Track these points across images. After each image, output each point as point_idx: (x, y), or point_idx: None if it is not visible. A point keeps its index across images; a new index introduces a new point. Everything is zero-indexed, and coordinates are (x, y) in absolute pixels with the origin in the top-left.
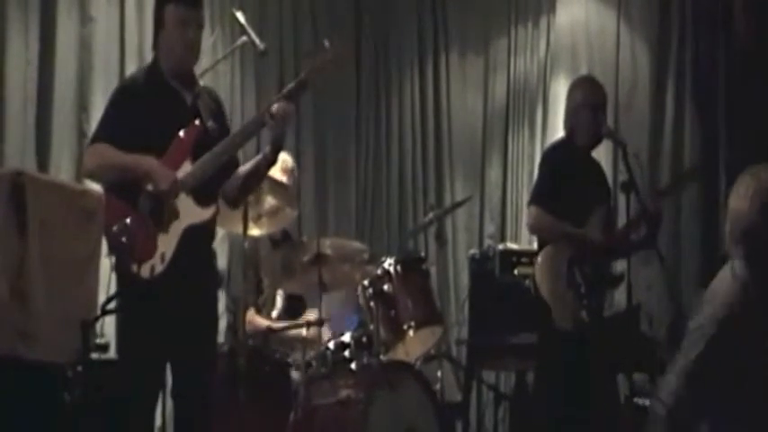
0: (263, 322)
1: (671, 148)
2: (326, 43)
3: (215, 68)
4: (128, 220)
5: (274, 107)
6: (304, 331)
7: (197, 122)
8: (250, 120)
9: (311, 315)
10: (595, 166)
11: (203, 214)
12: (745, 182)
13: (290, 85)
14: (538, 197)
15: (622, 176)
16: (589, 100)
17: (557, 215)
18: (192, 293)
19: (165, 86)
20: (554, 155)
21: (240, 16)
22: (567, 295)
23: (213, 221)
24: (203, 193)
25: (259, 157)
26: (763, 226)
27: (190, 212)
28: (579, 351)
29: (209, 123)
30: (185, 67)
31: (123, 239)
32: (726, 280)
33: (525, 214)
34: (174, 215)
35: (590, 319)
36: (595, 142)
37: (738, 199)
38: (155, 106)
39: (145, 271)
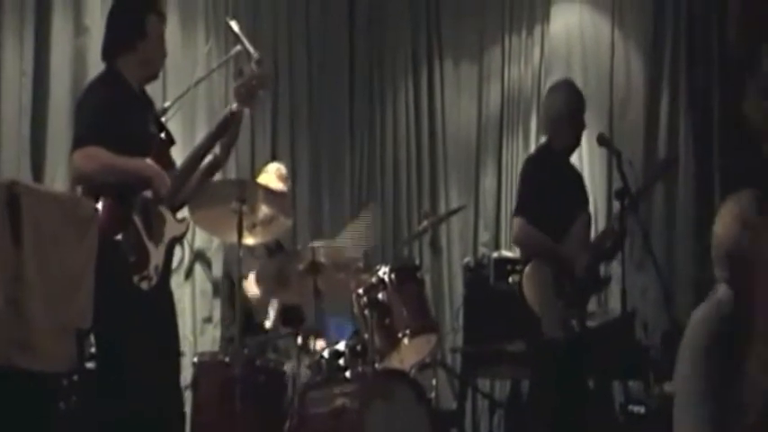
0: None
1: (665, 152)
2: (253, 65)
3: (209, 77)
4: (128, 229)
5: (229, 113)
6: (299, 340)
7: (162, 135)
8: (209, 132)
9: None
10: (574, 171)
11: (181, 227)
12: (727, 207)
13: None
14: (522, 208)
15: (617, 184)
16: (569, 105)
17: (540, 224)
18: (171, 310)
19: (140, 94)
20: (535, 163)
21: (234, 25)
22: (556, 303)
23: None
24: (175, 207)
25: (210, 158)
26: (744, 250)
27: (172, 225)
28: (571, 358)
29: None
30: (155, 78)
31: (127, 249)
32: (710, 305)
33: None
34: (164, 225)
35: (579, 327)
36: (574, 146)
37: (721, 224)
38: (136, 113)
39: (144, 283)
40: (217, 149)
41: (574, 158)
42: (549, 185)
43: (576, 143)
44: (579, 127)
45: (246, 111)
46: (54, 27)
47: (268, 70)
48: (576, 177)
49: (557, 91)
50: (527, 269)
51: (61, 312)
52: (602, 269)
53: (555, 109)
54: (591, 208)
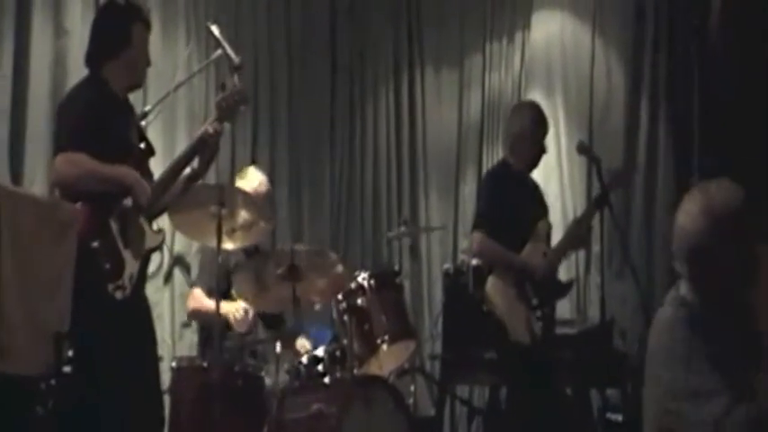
0: (209, 304)
1: (645, 163)
2: (236, 80)
3: (190, 82)
4: (105, 237)
5: (210, 128)
6: (278, 346)
7: (142, 145)
8: (189, 145)
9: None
10: (533, 186)
11: (158, 238)
12: (693, 198)
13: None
14: (481, 222)
15: (596, 192)
16: (533, 125)
17: (500, 237)
18: (147, 317)
19: (123, 102)
20: (494, 178)
21: (215, 30)
22: (520, 309)
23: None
24: (151, 217)
25: (188, 172)
26: (712, 246)
27: (149, 236)
28: (540, 363)
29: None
30: (138, 86)
31: (103, 257)
32: (671, 304)
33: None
34: (142, 236)
35: (543, 331)
36: (533, 166)
37: (686, 216)
38: (119, 120)
39: (118, 292)
40: (195, 163)
41: (552, 167)
42: (508, 199)
43: (534, 164)
44: (539, 149)
45: (227, 125)
46: (34, 29)
47: (245, 87)
48: (536, 191)
49: (523, 109)
50: (490, 279)
51: (39, 316)
52: (563, 274)
53: (518, 126)
54: (570, 216)
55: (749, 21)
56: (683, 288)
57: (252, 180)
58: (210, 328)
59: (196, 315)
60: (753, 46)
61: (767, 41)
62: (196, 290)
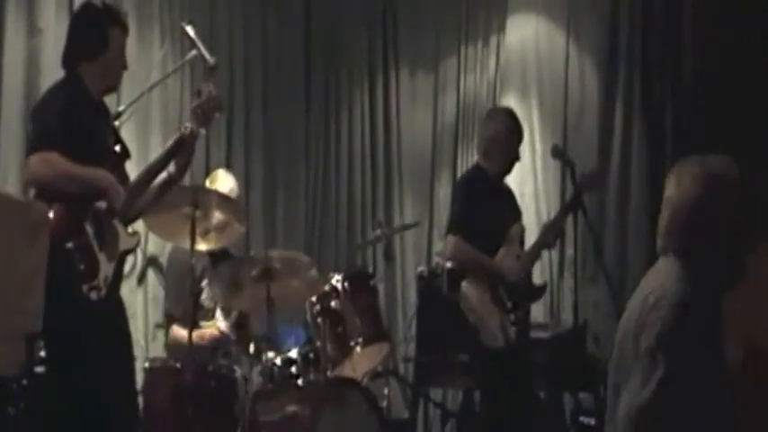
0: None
1: (619, 166)
2: (211, 87)
3: (164, 83)
4: (80, 238)
5: (186, 131)
6: (252, 347)
7: (117, 148)
8: (166, 148)
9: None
10: (506, 190)
11: (132, 241)
12: (685, 168)
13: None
14: (456, 226)
15: (570, 196)
16: (508, 131)
17: (474, 241)
18: (122, 318)
19: (99, 104)
20: (467, 183)
21: (190, 30)
22: (494, 313)
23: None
24: (127, 220)
25: (163, 176)
26: (711, 216)
27: (124, 238)
28: (513, 367)
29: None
30: (114, 89)
31: (78, 258)
32: (670, 277)
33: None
34: (116, 238)
35: (517, 335)
36: (506, 173)
37: (677, 186)
38: (94, 122)
39: (93, 293)
40: (172, 167)
41: (527, 170)
42: (482, 203)
43: (507, 170)
44: (513, 155)
45: (202, 131)
46: (7, 28)
47: (221, 94)
48: (509, 196)
49: (497, 114)
50: (464, 283)
51: (10, 316)
52: (537, 277)
53: (492, 131)
54: (544, 220)
55: (722, 23)
56: (670, 266)
57: (222, 185)
58: None
59: (176, 350)
60: (726, 49)
61: (740, 44)
62: (175, 327)
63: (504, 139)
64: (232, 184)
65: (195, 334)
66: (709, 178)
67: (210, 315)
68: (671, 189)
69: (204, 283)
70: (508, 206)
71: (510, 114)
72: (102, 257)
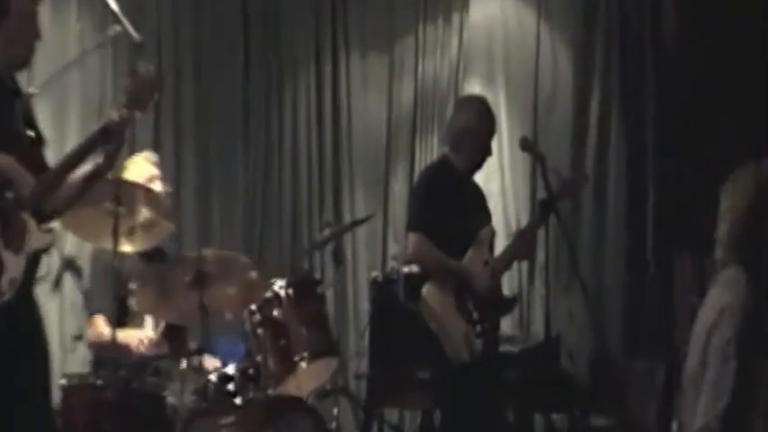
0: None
1: (595, 158)
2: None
3: (83, 61)
4: None
5: (116, 116)
6: (184, 362)
7: (30, 133)
8: (90, 135)
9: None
10: (475, 188)
11: (46, 239)
12: (742, 177)
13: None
14: (417, 223)
15: (541, 194)
16: (483, 125)
17: (438, 241)
18: (36, 332)
19: (9, 83)
20: (433, 175)
21: (112, 2)
22: (459, 323)
23: None
24: (40, 215)
25: (89, 167)
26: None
27: (36, 235)
28: (479, 384)
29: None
30: (25, 65)
31: None
32: (736, 288)
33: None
34: (25, 234)
35: (484, 348)
36: (476, 168)
37: (736, 195)
38: (1, 104)
39: None
40: (99, 157)
41: (494, 164)
42: (448, 200)
43: (477, 165)
44: (485, 147)
45: (137, 114)
46: None
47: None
48: (477, 195)
49: (469, 102)
50: (425, 287)
51: None
52: (504, 286)
53: (462, 121)
54: (512, 221)
55: (703, 13)
56: (736, 276)
57: (142, 171)
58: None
59: (96, 347)
60: (707, 40)
61: (722, 36)
62: (98, 318)
63: (476, 129)
64: (154, 171)
65: (133, 335)
66: (765, 184)
67: (140, 321)
68: (726, 200)
69: (131, 285)
70: (477, 206)
71: (483, 103)
72: (7, 256)
